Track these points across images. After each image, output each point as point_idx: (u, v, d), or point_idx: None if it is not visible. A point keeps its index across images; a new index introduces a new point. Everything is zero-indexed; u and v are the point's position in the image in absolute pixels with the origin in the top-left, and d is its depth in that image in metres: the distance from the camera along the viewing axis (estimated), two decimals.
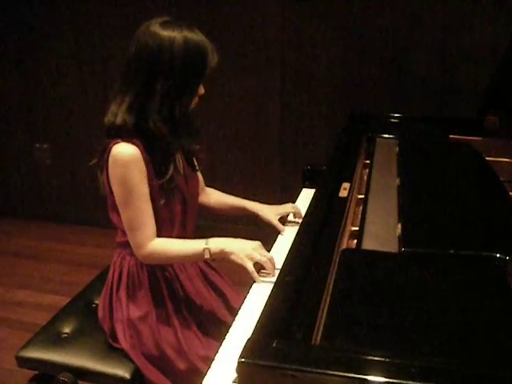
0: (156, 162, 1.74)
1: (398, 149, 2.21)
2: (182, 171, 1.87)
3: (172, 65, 1.63)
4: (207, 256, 1.76)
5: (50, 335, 1.97)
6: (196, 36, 1.66)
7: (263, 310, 1.24)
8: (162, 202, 1.77)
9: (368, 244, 1.49)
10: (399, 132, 2.38)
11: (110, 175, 1.72)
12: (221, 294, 2.03)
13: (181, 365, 1.82)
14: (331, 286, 1.34)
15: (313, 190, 2.43)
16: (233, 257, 1.74)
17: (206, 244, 1.76)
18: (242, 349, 1.03)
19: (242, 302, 1.66)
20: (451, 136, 2.38)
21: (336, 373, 0.97)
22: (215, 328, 1.92)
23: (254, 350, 1.02)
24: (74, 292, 2.83)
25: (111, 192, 1.76)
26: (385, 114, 2.61)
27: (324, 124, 3.52)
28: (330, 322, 1.13)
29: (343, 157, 2.18)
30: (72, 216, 4.23)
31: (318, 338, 1.17)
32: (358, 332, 1.10)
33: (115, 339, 1.88)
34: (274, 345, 1.03)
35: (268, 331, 1.14)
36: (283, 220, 2.10)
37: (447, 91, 3.20)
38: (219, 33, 3.48)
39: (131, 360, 1.83)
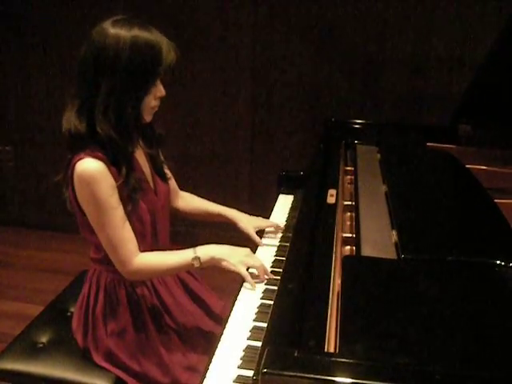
0: (115, 165, 1.65)
1: (379, 156, 2.22)
2: (150, 182, 1.81)
3: (116, 62, 1.55)
4: (197, 265, 1.71)
5: (24, 345, 1.89)
6: (148, 34, 1.58)
7: (271, 319, 1.22)
8: (129, 208, 1.68)
9: (367, 251, 1.49)
10: (377, 139, 2.39)
11: (77, 195, 1.65)
12: (201, 301, 1.98)
13: (164, 380, 1.77)
14: (335, 293, 1.34)
15: (290, 196, 2.45)
16: (224, 263, 1.71)
17: (195, 253, 1.72)
18: (262, 359, 1.00)
19: (229, 311, 1.64)
20: (428, 143, 2.41)
21: (362, 381, 0.96)
22: (197, 337, 1.88)
23: (276, 360, 1.00)
24: (40, 299, 2.76)
25: (80, 210, 1.69)
26: (361, 121, 2.62)
27: (294, 132, 3.53)
28: (346, 330, 1.12)
29: (325, 163, 2.18)
30: (35, 220, 4.10)
31: (333, 347, 1.16)
32: (375, 339, 1.10)
33: (89, 355, 1.82)
34: (296, 354, 1.01)
35: (283, 340, 1.12)
36: (259, 233, 2.07)
37: (417, 99, 3.26)
38: (189, 42, 3.45)
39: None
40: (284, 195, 2.47)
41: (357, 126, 2.61)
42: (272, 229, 2.09)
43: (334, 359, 1.02)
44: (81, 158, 1.60)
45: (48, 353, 1.86)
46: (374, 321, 1.17)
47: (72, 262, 3.45)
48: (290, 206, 2.36)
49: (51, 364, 1.81)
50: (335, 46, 3.32)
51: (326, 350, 1.15)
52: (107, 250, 1.71)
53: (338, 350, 1.08)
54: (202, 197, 2.14)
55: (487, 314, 1.22)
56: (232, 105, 3.56)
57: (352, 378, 0.96)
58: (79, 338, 1.85)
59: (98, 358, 1.79)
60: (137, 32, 1.57)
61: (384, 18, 3.21)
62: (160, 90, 1.68)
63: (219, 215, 2.09)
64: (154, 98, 1.67)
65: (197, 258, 1.71)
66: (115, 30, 1.57)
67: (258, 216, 2.13)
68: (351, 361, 1.00)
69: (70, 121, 1.63)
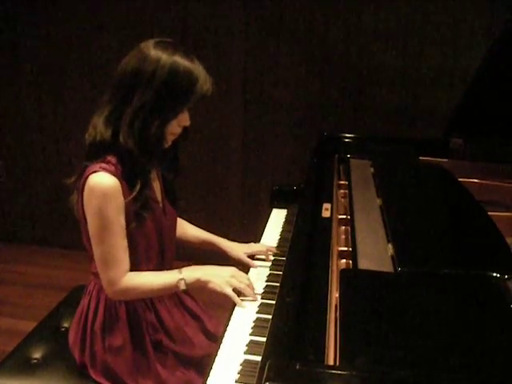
0: (129, 179, 1.67)
1: (372, 169, 2.23)
2: (160, 202, 1.82)
3: (153, 79, 1.59)
4: (182, 287, 1.71)
5: (18, 362, 1.87)
6: (188, 63, 1.62)
7: (270, 332, 1.22)
8: (134, 224, 1.68)
9: (363, 264, 1.49)
10: (370, 153, 2.41)
11: (85, 205, 1.65)
12: (197, 319, 1.97)
13: None
14: (333, 306, 1.35)
15: (283, 211, 2.46)
16: (211, 285, 1.70)
17: (181, 274, 1.72)
18: (264, 372, 1.00)
19: (226, 325, 1.64)
20: (420, 157, 2.43)
21: None
22: (194, 356, 1.86)
23: (278, 373, 1.00)
24: (30, 314, 2.74)
25: (85, 219, 1.68)
26: (354, 135, 2.64)
27: (286, 145, 3.54)
28: (346, 343, 1.12)
29: (319, 177, 2.19)
30: (27, 236, 4.09)
31: (332, 359, 1.16)
32: (375, 352, 1.10)
33: (86, 370, 1.81)
34: (298, 367, 1.00)
35: (283, 353, 1.12)
36: (250, 257, 2.07)
37: (408, 113, 3.28)
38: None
39: None
40: (277, 209, 2.48)
41: (349, 140, 2.63)
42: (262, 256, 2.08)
43: (336, 372, 1.02)
44: (95, 171, 1.61)
45: (42, 369, 1.84)
46: (374, 333, 1.17)
47: (64, 277, 3.43)
48: (283, 220, 2.36)
49: (46, 380, 1.80)
50: (327, 59, 3.35)
51: (326, 362, 1.15)
52: (98, 266, 1.70)
53: (339, 363, 1.08)
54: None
55: (485, 326, 1.22)
56: (223, 117, 3.58)
57: None
58: (76, 352, 1.83)
59: (95, 374, 1.77)
60: (178, 58, 1.61)
61: (375, 31, 3.25)
62: (186, 119, 1.71)
63: (211, 244, 2.10)
64: (178, 124, 1.69)
65: (182, 280, 1.71)
66: (156, 52, 1.61)
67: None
68: (353, 373, 1.01)
69: (97, 126, 1.65)
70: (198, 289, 1.75)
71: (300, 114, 3.48)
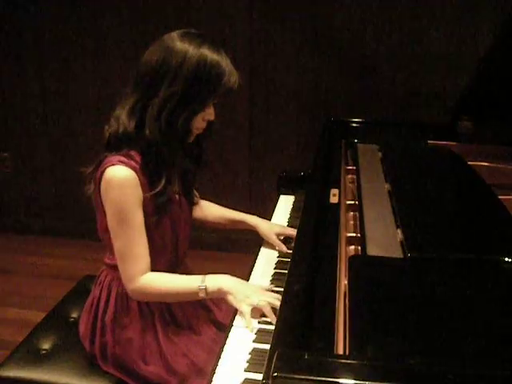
0: (151, 173, 1.64)
1: (380, 154, 2.21)
2: (177, 198, 1.80)
3: (179, 72, 1.57)
4: (202, 295, 1.66)
5: (28, 352, 1.88)
6: (216, 55, 1.60)
7: (279, 321, 1.21)
8: (155, 219, 1.67)
9: (372, 250, 1.47)
10: (378, 138, 2.38)
11: (103, 196, 1.63)
12: (207, 310, 1.95)
13: (172, 382, 1.75)
14: (342, 293, 1.33)
15: (291, 197, 2.44)
16: (229, 297, 1.64)
17: (203, 282, 1.66)
18: (272, 362, 0.99)
19: (234, 314, 1.63)
20: (429, 141, 2.40)
21: (374, 383, 0.94)
22: (203, 347, 1.84)
23: (286, 363, 0.98)
24: (41, 305, 2.74)
25: (102, 210, 1.67)
26: (361, 120, 2.61)
27: (293, 131, 3.52)
28: (356, 331, 1.10)
29: (326, 163, 2.17)
30: (35, 227, 4.08)
31: (342, 348, 1.15)
32: (385, 340, 1.09)
33: (95, 360, 1.81)
34: (306, 357, 0.99)
35: (291, 343, 1.11)
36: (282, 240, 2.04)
37: (416, 96, 3.25)
38: None
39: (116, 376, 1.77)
40: (285, 196, 2.46)
41: (356, 125, 2.60)
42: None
43: (345, 361, 1.00)
44: (113, 164, 1.60)
45: (52, 359, 1.84)
46: (384, 321, 1.15)
47: (73, 267, 3.43)
48: (291, 206, 2.35)
49: (55, 371, 1.80)
50: (332, 44, 3.32)
51: (335, 351, 1.14)
52: (117, 260, 1.69)
53: (348, 352, 1.07)
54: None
55: (497, 312, 1.21)
56: (229, 105, 3.55)
57: (364, 380, 0.94)
58: (86, 343, 1.83)
59: (104, 365, 1.78)
60: (206, 49, 1.59)
61: (381, 15, 3.21)
62: (211, 113, 1.69)
63: (241, 222, 2.08)
64: (203, 118, 1.68)
65: (203, 289, 1.65)
66: (185, 42, 1.59)
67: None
68: (363, 362, 0.99)
69: (120, 118, 1.63)
70: (217, 298, 1.72)
71: (307, 99, 3.45)
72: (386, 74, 3.28)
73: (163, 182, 1.64)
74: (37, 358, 1.85)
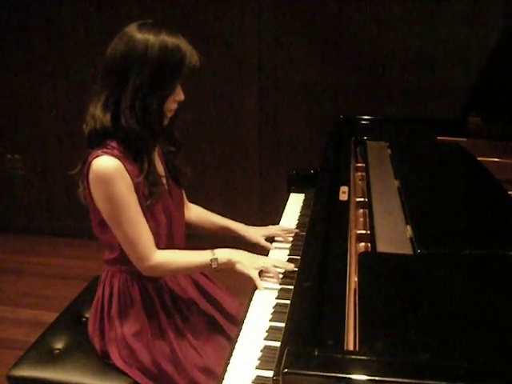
0: (134, 159, 1.69)
1: (390, 151, 2.21)
2: (165, 184, 1.84)
3: (145, 61, 1.62)
4: (215, 266, 1.76)
5: (41, 352, 1.89)
6: (175, 40, 1.65)
7: (289, 318, 1.21)
8: (148, 203, 1.71)
9: (382, 247, 1.47)
10: (387, 134, 2.38)
11: (93, 192, 1.67)
12: (215, 302, 1.99)
13: (180, 381, 1.77)
14: (352, 290, 1.33)
15: (301, 195, 2.44)
16: (239, 266, 1.76)
17: (214, 254, 1.76)
18: (283, 359, 0.99)
19: (245, 311, 1.63)
20: (438, 137, 2.39)
21: (384, 378, 0.95)
22: (212, 336, 1.88)
23: (297, 359, 0.99)
24: (52, 305, 2.76)
25: (94, 207, 1.71)
26: (370, 117, 2.61)
27: (302, 130, 3.52)
28: (366, 327, 1.11)
29: (336, 160, 2.17)
30: (46, 227, 4.11)
31: (352, 344, 1.15)
32: (395, 336, 1.09)
33: (108, 358, 1.82)
34: (316, 353, 0.99)
35: (302, 339, 1.11)
36: (269, 240, 2.07)
37: (425, 93, 3.24)
38: (196, 40, 3.44)
39: (128, 374, 1.78)
40: (295, 194, 2.47)
41: (366, 122, 2.60)
42: (280, 238, 2.08)
43: (355, 357, 1.01)
44: (97, 156, 1.64)
45: (65, 359, 1.85)
46: (394, 317, 1.15)
47: (84, 267, 3.45)
48: (301, 204, 2.35)
49: (68, 370, 1.81)
50: (341, 41, 3.32)
51: (345, 348, 1.14)
52: (125, 248, 1.72)
53: (358, 348, 1.07)
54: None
55: (507, 308, 1.20)
56: (238, 102, 3.56)
57: (374, 376, 0.95)
58: (96, 341, 1.85)
59: (116, 360, 1.79)
60: (164, 35, 1.64)
61: (390, 12, 3.20)
62: (179, 94, 1.74)
63: (227, 229, 2.12)
64: (173, 100, 1.72)
65: (215, 259, 1.75)
66: (142, 35, 1.64)
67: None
68: (373, 358, 0.99)
69: (94, 115, 1.68)
70: (227, 270, 1.79)
71: (316, 96, 3.44)
72: (396, 70, 3.27)
73: (146, 165, 1.69)
74: (50, 358, 1.86)
